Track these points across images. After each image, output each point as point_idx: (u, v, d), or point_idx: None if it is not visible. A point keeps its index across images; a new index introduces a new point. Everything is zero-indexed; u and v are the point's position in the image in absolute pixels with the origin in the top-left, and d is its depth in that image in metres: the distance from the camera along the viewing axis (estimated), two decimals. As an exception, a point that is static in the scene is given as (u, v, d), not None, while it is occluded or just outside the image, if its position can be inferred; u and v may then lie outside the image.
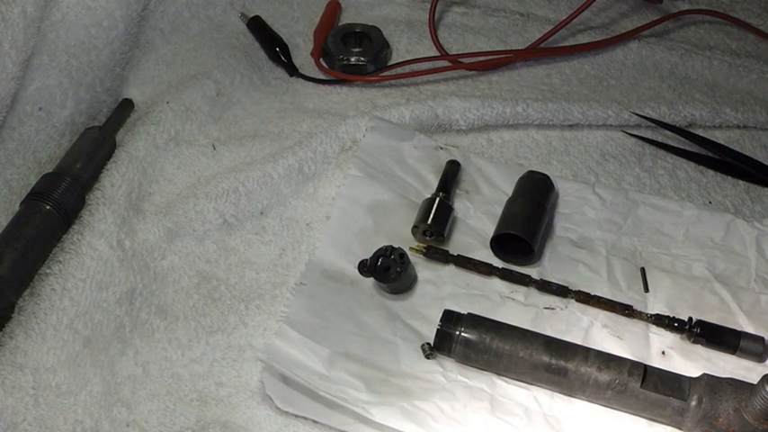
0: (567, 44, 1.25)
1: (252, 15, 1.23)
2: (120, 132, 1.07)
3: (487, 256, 0.96)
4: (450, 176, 1.02)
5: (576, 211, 1.02)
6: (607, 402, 0.84)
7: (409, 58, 1.20)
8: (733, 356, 0.89)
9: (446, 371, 0.87)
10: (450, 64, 1.20)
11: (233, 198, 0.99)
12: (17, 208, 0.95)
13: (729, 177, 1.08)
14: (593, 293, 0.93)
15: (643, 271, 0.96)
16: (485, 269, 0.95)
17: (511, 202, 0.99)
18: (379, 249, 0.92)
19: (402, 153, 1.05)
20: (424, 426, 0.82)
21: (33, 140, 1.02)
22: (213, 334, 0.90)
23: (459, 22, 1.29)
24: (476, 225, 1.00)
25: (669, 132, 1.12)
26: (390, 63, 1.21)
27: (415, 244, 0.97)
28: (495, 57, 1.21)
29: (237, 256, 0.97)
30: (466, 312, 0.88)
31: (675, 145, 1.12)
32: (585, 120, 1.12)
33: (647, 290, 0.95)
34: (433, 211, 0.97)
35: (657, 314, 0.91)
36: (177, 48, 1.18)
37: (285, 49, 1.21)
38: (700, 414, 0.80)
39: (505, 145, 1.11)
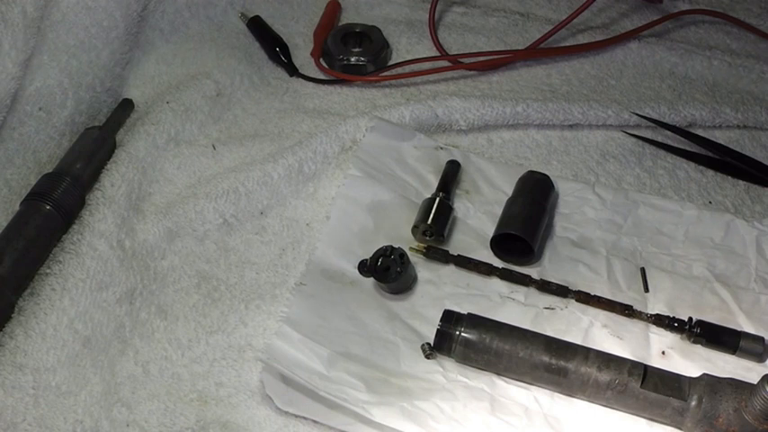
0: (567, 44, 1.25)
1: (252, 15, 1.23)
2: (120, 132, 1.07)
3: (487, 256, 0.96)
4: (450, 176, 1.02)
5: (576, 211, 1.02)
6: (607, 402, 0.84)
7: (409, 58, 1.21)
8: (733, 356, 0.89)
9: (446, 371, 0.87)
10: (450, 64, 1.20)
11: (233, 198, 0.99)
12: (17, 208, 0.95)
13: (729, 177, 1.08)
14: (593, 293, 0.93)
15: (643, 271, 0.96)
16: (485, 269, 0.95)
17: (511, 202, 0.99)
18: (379, 249, 0.92)
19: (402, 153, 1.05)
20: (424, 426, 0.82)
21: (33, 140, 1.02)
22: (213, 334, 0.90)
23: (459, 22, 1.29)
24: (476, 225, 1.00)
25: (669, 132, 1.12)
26: (390, 63, 1.21)
27: (415, 244, 0.97)
28: (495, 57, 1.21)
29: (237, 256, 0.97)
30: (466, 312, 0.88)
31: (675, 145, 1.12)
32: (585, 120, 1.12)
33: (647, 290, 0.95)
34: (432, 211, 0.97)
35: (657, 314, 0.91)
36: (177, 48, 1.19)
37: (285, 49, 1.21)
38: (700, 414, 0.80)
39: (505, 145, 1.11)
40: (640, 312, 0.92)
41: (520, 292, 0.94)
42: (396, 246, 0.92)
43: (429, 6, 1.25)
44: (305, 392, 0.84)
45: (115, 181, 0.98)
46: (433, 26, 1.24)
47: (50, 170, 0.99)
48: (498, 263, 0.96)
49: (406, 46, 1.24)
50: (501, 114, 1.11)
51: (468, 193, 1.03)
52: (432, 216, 0.96)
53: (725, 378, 0.82)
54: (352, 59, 1.19)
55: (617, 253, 0.98)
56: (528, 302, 0.93)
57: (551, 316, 0.92)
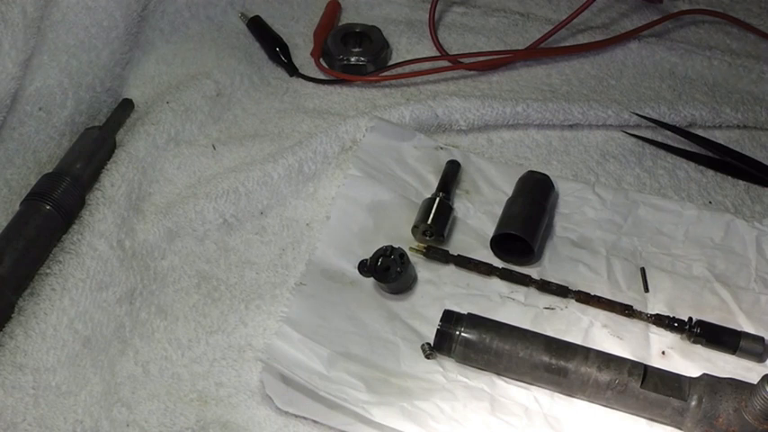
0: (567, 44, 1.25)
1: (252, 15, 1.23)
2: (120, 132, 1.08)
3: (487, 256, 0.96)
4: (450, 176, 1.02)
5: (576, 211, 1.02)
6: (607, 402, 0.84)
7: (409, 58, 1.21)
8: (733, 356, 0.89)
9: (446, 371, 0.87)
10: (450, 64, 1.20)
11: (233, 198, 0.99)
12: (17, 208, 0.95)
13: (729, 177, 1.08)
14: (593, 293, 0.93)
15: (643, 271, 0.96)
16: (485, 269, 0.95)
17: (511, 202, 0.99)
18: (379, 249, 0.92)
19: (402, 153, 1.05)
20: (424, 426, 0.82)
21: (33, 140, 1.02)
22: (213, 334, 0.90)
23: (459, 22, 1.29)
24: (476, 225, 1.00)
25: (669, 132, 1.12)
26: (390, 63, 1.21)
27: (415, 244, 0.97)
28: (495, 57, 1.21)
29: (237, 256, 0.97)
30: (466, 312, 0.88)
31: (675, 145, 1.12)
32: (585, 120, 1.12)
33: (647, 290, 0.95)
34: (432, 211, 0.97)
35: (657, 314, 0.91)
36: (177, 48, 1.19)
37: (285, 49, 1.21)
38: (700, 414, 0.80)
39: (505, 145, 1.11)
40: (640, 312, 0.92)
41: (520, 292, 0.94)
42: (396, 246, 0.92)
43: (429, 6, 1.25)
44: (305, 392, 0.84)
45: (115, 181, 0.98)
46: (433, 26, 1.24)
47: (50, 170, 0.99)
48: (498, 263, 0.96)
49: (406, 46, 1.24)
50: (501, 114, 1.11)
51: (468, 193, 1.03)
52: (432, 216, 0.96)
53: (725, 378, 0.82)
54: (352, 59, 1.19)
55: (617, 253, 0.98)
56: (528, 302, 0.93)
57: (551, 316, 0.92)
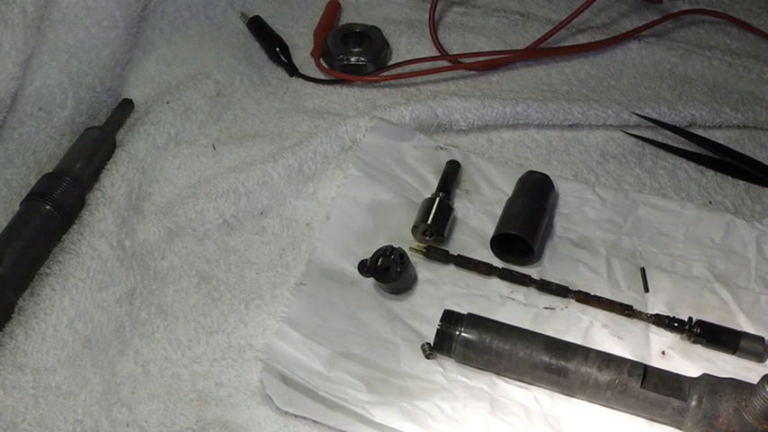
0: (567, 44, 1.25)
1: (252, 15, 1.23)
2: (120, 132, 1.08)
3: (487, 256, 0.96)
4: (450, 176, 1.02)
5: (576, 211, 1.02)
6: (607, 402, 0.84)
7: (409, 58, 1.21)
8: (733, 356, 0.89)
9: (446, 371, 0.87)
10: (450, 64, 1.20)
11: (233, 198, 0.99)
12: (17, 208, 0.95)
13: (729, 177, 1.08)
14: (593, 293, 0.93)
15: (643, 271, 0.96)
16: (485, 269, 0.95)
17: (511, 202, 0.99)
18: (379, 249, 0.92)
19: (402, 153, 1.05)
20: (424, 426, 0.82)
21: (33, 140, 1.02)
22: (213, 334, 0.90)
23: (459, 22, 1.29)
24: (476, 225, 1.00)
25: (669, 132, 1.12)
26: (390, 63, 1.21)
27: (415, 244, 0.97)
28: (495, 57, 1.21)
29: (237, 256, 0.98)
30: (466, 312, 0.88)
31: (675, 145, 1.12)
32: (585, 120, 1.12)
33: (647, 290, 0.95)
34: (432, 211, 0.97)
35: (657, 314, 0.91)
36: (177, 48, 1.19)
37: (285, 49, 1.21)
38: (700, 414, 0.80)
39: (505, 145, 1.11)
40: (640, 312, 0.92)
41: (520, 292, 0.94)
42: (396, 246, 0.92)
43: (429, 6, 1.25)
44: (305, 392, 0.84)
45: (115, 181, 0.98)
46: (433, 26, 1.24)
47: (50, 170, 0.99)
48: (498, 263, 0.96)
49: (406, 46, 1.24)
50: (501, 114, 1.11)
51: (468, 193, 1.03)
52: (432, 216, 0.96)
53: (725, 378, 0.82)
54: (352, 59, 1.19)
55: (617, 253, 0.98)
56: (528, 302, 0.93)
57: (551, 316, 0.92)
